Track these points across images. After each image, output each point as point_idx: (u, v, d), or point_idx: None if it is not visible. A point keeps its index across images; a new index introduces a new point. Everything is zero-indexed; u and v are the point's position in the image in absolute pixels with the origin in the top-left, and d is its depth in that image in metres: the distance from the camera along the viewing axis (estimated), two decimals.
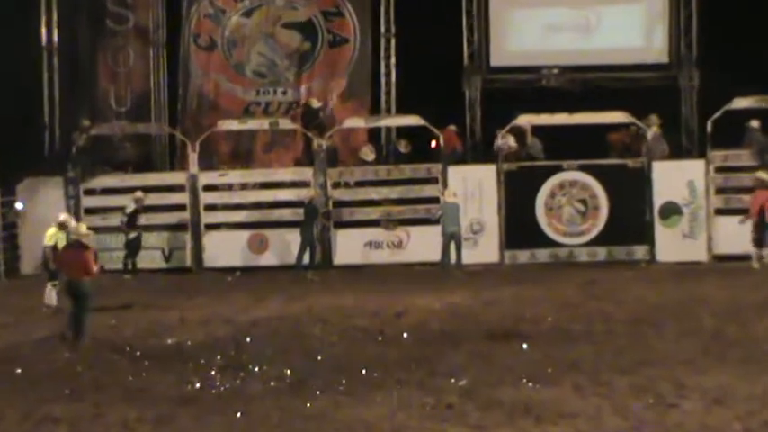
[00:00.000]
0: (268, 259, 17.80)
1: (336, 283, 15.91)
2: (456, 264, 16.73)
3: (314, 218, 17.24)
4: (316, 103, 19.11)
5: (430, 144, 18.54)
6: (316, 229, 17.31)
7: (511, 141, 17.89)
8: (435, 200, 17.56)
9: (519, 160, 17.76)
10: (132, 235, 17.22)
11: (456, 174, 17.66)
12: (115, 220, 17.53)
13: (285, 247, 17.65)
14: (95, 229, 17.88)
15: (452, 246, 16.74)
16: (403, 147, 18.67)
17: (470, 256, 17.09)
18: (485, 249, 17.48)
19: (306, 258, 17.04)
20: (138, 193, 17.40)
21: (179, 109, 20.32)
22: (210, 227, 18.09)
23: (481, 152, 19.55)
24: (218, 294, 15.01)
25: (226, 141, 19.93)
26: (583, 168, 17.58)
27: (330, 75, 20.15)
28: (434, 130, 17.86)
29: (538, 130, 18.22)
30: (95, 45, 20.29)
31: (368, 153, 18.42)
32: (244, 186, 18.39)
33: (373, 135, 19.88)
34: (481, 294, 14.09)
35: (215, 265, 17.73)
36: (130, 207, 17.29)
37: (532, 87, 19.99)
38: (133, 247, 17.30)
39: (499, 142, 17.82)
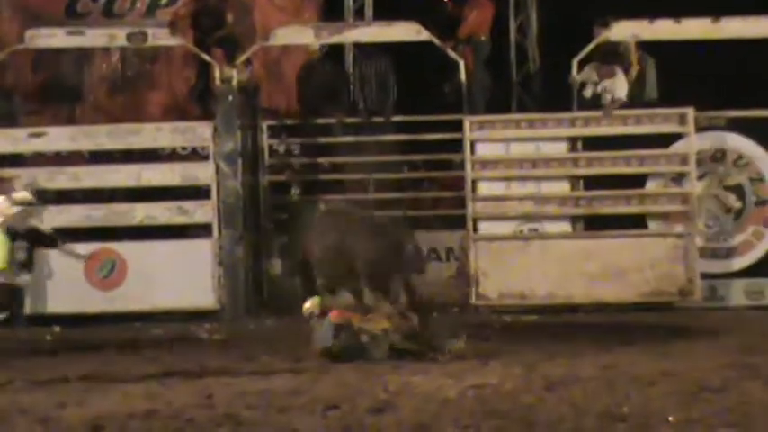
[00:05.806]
0: (125, 301, 18.05)
1: (261, 343, 16.07)
2: None
3: None
4: None
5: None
6: None
7: (619, 87, 18.10)
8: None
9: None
10: None
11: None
12: None
13: (159, 276, 17.96)
14: None
15: None
16: (447, 89, 19.38)
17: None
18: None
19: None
20: None
21: None
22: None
23: (540, 96, 19.73)
24: (23, 368, 15.08)
25: (36, 72, 20.23)
26: (736, 126, 17.87)
27: None
28: (449, 50, 18.18)
29: (648, 51, 18.42)
30: None
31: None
32: (78, 158, 18.59)
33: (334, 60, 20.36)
34: (537, 368, 14.21)
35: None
36: None
37: None
38: None
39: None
